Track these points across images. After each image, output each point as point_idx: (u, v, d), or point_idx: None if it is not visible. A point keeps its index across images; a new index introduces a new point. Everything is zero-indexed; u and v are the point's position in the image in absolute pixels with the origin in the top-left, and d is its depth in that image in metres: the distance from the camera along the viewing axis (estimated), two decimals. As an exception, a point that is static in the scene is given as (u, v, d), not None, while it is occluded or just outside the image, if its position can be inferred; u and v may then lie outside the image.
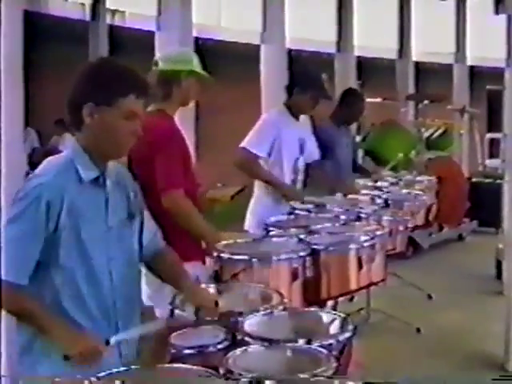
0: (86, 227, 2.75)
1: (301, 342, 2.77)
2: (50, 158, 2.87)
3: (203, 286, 3.40)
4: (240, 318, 2.95)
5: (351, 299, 6.58)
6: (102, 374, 2.52)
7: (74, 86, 2.81)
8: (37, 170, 2.81)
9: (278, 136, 5.39)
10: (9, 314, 2.76)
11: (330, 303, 4.60)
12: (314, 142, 5.88)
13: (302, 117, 5.86)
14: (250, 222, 5.52)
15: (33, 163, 8.49)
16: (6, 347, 5.65)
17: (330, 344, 2.75)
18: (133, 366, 2.65)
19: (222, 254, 3.91)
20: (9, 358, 5.48)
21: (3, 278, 2.65)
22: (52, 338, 2.69)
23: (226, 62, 12.76)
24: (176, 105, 4.23)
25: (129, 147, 2.87)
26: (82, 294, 2.76)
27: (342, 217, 4.91)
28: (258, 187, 5.60)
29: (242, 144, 5.38)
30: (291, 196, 5.43)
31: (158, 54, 4.31)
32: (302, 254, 3.93)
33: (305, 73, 5.81)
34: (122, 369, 2.62)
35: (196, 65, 4.29)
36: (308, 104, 5.57)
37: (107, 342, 2.71)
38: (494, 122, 13.74)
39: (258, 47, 11.39)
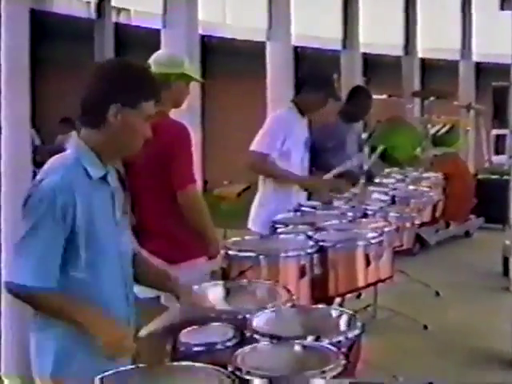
0: (99, 223, 2.80)
1: (309, 339, 2.77)
2: (54, 158, 2.88)
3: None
4: (248, 316, 2.95)
5: (358, 296, 6.58)
6: (107, 373, 2.52)
7: (95, 85, 2.84)
8: (43, 172, 2.81)
9: (288, 134, 5.40)
10: (47, 316, 2.78)
11: (337, 300, 4.59)
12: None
13: None
14: (254, 220, 5.52)
15: (37, 162, 8.50)
16: (6, 347, 5.67)
17: (339, 341, 2.75)
18: (140, 365, 2.66)
19: (230, 252, 3.92)
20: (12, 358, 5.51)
21: (30, 284, 2.68)
22: (93, 330, 2.70)
23: (232, 59, 12.76)
24: (168, 107, 4.29)
25: (139, 148, 2.93)
26: (103, 293, 2.81)
27: (349, 214, 4.91)
28: (262, 184, 5.60)
29: (252, 147, 5.41)
30: (314, 187, 5.50)
31: (151, 58, 4.36)
32: (309, 251, 3.93)
33: (316, 72, 5.80)
34: (129, 367, 2.62)
35: (187, 67, 4.36)
36: (317, 103, 5.56)
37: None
38: (500, 118, 13.71)
39: (263, 44, 11.37)
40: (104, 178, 2.85)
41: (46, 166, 2.84)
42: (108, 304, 2.81)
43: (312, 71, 5.86)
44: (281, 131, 5.39)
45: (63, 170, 2.77)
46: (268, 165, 5.39)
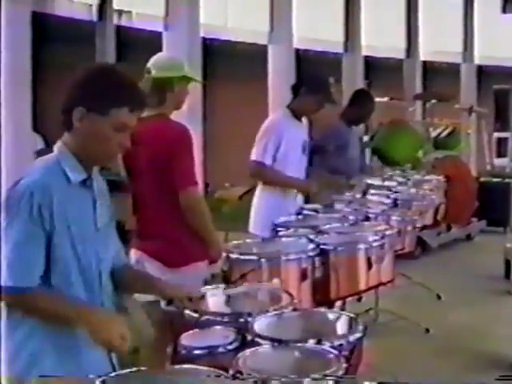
0: (76, 228, 2.74)
1: (311, 342, 2.76)
2: (38, 159, 2.87)
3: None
4: (249, 319, 2.94)
5: (359, 299, 6.56)
6: (108, 375, 2.51)
7: (69, 88, 2.80)
8: (25, 173, 2.79)
9: (281, 138, 5.44)
10: (31, 316, 2.73)
11: (338, 303, 4.59)
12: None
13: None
14: (254, 223, 5.53)
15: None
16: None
17: (341, 344, 2.74)
18: (142, 368, 2.65)
19: (231, 255, 3.91)
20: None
21: (13, 284, 2.64)
22: (83, 325, 2.67)
23: (234, 62, 12.76)
24: (170, 109, 4.32)
25: (114, 158, 2.88)
26: (77, 296, 2.76)
27: (351, 217, 4.90)
28: (261, 187, 5.61)
29: (252, 157, 5.50)
30: (313, 189, 5.52)
31: (150, 62, 4.37)
32: (310, 254, 3.93)
33: (312, 75, 5.83)
34: (129, 370, 2.61)
35: (187, 69, 4.39)
36: (313, 106, 5.60)
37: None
38: (501, 121, 13.71)
39: (265, 47, 11.39)
40: (85, 182, 2.80)
41: (28, 169, 2.82)
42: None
43: (308, 74, 5.90)
44: (273, 137, 5.45)
45: (42, 170, 2.74)
46: (267, 172, 5.45)
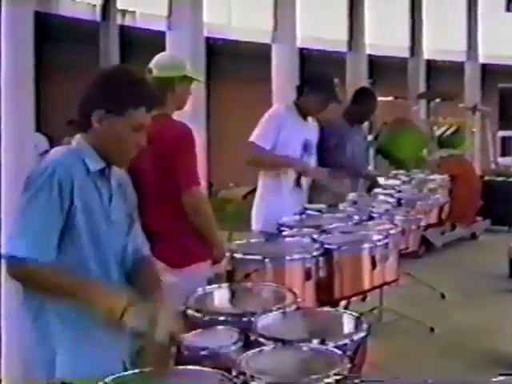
0: (94, 215, 2.78)
1: (315, 342, 2.75)
2: (55, 149, 2.90)
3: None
4: (253, 319, 2.93)
5: (364, 299, 6.56)
6: (111, 377, 2.51)
7: (87, 89, 2.85)
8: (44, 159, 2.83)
9: (281, 130, 5.42)
10: (38, 291, 2.75)
11: (342, 303, 4.58)
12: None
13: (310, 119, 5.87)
14: (256, 219, 5.53)
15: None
16: (6, 347, 5.66)
17: (345, 344, 2.74)
18: (145, 369, 2.64)
19: (235, 254, 3.91)
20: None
21: (27, 255, 2.64)
22: (93, 302, 2.67)
23: (237, 61, 12.75)
24: (172, 110, 4.31)
25: (131, 157, 2.90)
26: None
27: (355, 216, 4.89)
28: (261, 182, 5.61)
29: (251, 138, 5.44)
30: (311, 172, 5.50)
31: (151, 62, 4.37)
32: (314, 253, 3.92)
33: (317, 74, 5.81)
34: (133, 372, 2.61)
35: (189, 69, 4.38)
36: (317, 105, 5.59)
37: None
38: (506, 119, 13.69)
39: (268, 46, 11.36)
40: (103, 172, 2.85)
41: (46, 156, 2.86)
42: None
43: (313, 73, 5.88)
44: (273, 126, 5.43)
45: (64, 154, 2.80)
46: (264, 155, 5.41)
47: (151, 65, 4.34)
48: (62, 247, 2.73)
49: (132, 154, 2.88)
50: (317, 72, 5.97)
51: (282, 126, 5.44)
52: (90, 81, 2.88)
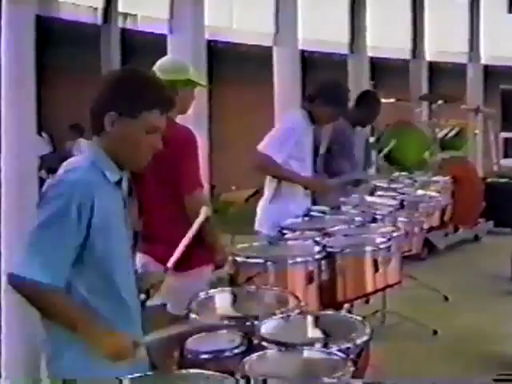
0: (115, 226, 2.78)
1: (317, 345, 2.74)
2: (69, 160, 2.87)
3: None
4: (256, 322, 2.92)
5: (367, 301, 6.55)
6: (116, 380, 2.50)
7: (99, 92, 2.82)
8: (62, 171, 2.80)
9: (298, 139, 5.40)
10: (40, 313, 2.73)
11: (345, 306, 4.57)
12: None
13: None
14: (262, 222, 5.51)
15: (50, 169, 8.48)
16: (6, 347, 5.66)
17: (348, 348, 2.72)
18: (148, 373, 2.64)
19: (237, 258, 3.90)
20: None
21: (40, 280, 2.61)
22: (86, 336, 2.67)
23: (239, 64, 12.75)
24: (174, 113, 4.29)
25: (147, 161, 2.87)
26: (120, 296, 2.79)
27: (358, 219, 4.88)
28: (270, 185, 5.59)
29: (260, 147, 5.38)
30: (319, 188, 5.50)
31: (155, 65, 4.36)
32: (317, 256, 3.91)
33: (333, 86, 5.69)
34: (137, 375, 2.60)
35: (192, 73, 4.37)
36: (327, 117, 5.57)
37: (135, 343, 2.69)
38: (508, 121, 13.66)
39: (270, 49, 11.35)
40: (119, 182, 2.84)
41: (63, 167, 2.82)
42: (121, 298, 2.79)
43: (330, 85, 5.71)
44: (290, 139, 5.38)
45: (82, 170, 2.75)
46: (274, 167, 5.37)
47: (154, 68, 4.34)
48: (83, 262, 2.71)
49: (147, 156, 2.85)
50: (332, 84, 5.79)
51: (298, 137, 5.41)
52: (102, 83, 2.86)
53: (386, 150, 7.70)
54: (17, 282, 2.65)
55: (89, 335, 2.66)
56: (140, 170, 2.97)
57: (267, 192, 5.59)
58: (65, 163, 2.85)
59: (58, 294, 2.66)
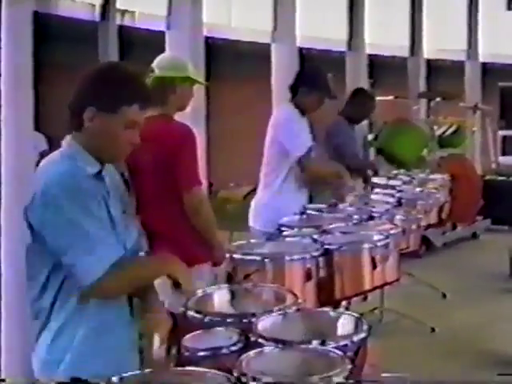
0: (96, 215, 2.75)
1: (315, 343, 2.74)
2: (46, 158, 2.87)
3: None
4: (253, 319, 2.92)
5: (364, 299, 6.54)
6: (114, 378, 2.50)
7: (78, 87, 2.82)
8: (39, 169, 2.81)
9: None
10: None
11: (343, 303, 4.57)
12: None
13: None
14: (257, 218, 5.51)
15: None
16: (6, 348, 5.65)
17: (345, 345, 2.72)
18: (146, 370, 2.63)
19: (235, 255, 3.89)
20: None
21: (102, 270, 2.65)
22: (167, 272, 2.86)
23: (237, 61, 12.73)
24: (173, 110, 4.30)
25: (125, 155, 2.88)
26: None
27: (355, 216, 4.88)
28: (266, 185, 5.59)
29: (297, 153, 5.41)
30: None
31: (154, 62, 4.36)
32: (315, 254, 3.91)
33: (310, 72, 5.79)
34: (134, 372, 2.59)
35: (191, 71, 4.37)
36: (314, 103, 5.60)
37: None
38: (506, 118, 13.66)
39: (268, 46, 11.34)
40: (99, 174, 2.82)
41: (40, 168, 2.83)
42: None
43: (307, 72, 5.83)
44: (305, 128, 5.45)
45: (60, 163, 2.76)
46: (315, 163, 5.46)
47: (153, 64, 4.34)
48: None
49: (125, 151, 2.85)
50: (309, 70, 5.93)
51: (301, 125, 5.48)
52: (81, 78, 2.83)
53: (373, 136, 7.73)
54: (98, 287, 2.68)
55: (163, 271, 2.86)
56: (115, 163, 2.95)
57: (264, 189, 5.59)
58: (43, 161, 2.85)
59: (126, 267, 2.74)
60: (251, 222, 5.54)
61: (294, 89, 5.60)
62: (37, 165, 2.72)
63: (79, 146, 2.80)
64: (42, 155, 9.26)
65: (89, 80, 2.82)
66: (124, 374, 2.52)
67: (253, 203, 5.65)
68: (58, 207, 2.66)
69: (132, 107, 2.76)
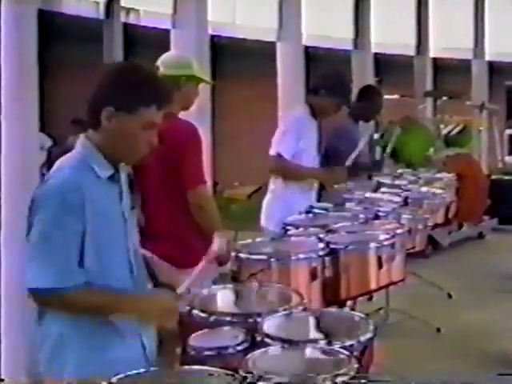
0: (107, 221, 2.76)
1: (321, 342, 2.73)
2: (61, 159, 2.85)
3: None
4: (259, 319, 2.90)
5: (370, 299, 6.52)
6: (119, 376, 2.48)
7: (97, 87, 2.81)
8: (50, 173, 2.80)
9: (302, 135, 5.43)
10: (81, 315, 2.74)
11: (348, 303, 4.55)
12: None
13: None
14: (269, 218, 5.50)
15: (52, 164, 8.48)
16: (6, 348, 5.65)
17: (351, 345, 2.71)
18: (152, 368, 2.62)
19: (240, 254, 3.88)
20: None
21: (52, 286, 2.62)
22: (129, 312, 2.73)
23: (242, 59, 12.74)
24: (177, 109, 4.28)
25: (141, 156, 2.86)
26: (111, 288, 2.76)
27: (361, 215, 4.86)
28: (277, 182, 5.58)
29: (271, 151, 5.48)
30: (338, 179, 5.64)
31: (159, 60, 4.35)
32: (320, 253, 3.89)
33: (336, 77, 5.75)
34: (140, 371, 2.57)
35: (196, 69, 4.36)
36: (330, 109, 5.61)
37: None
38: (513, 117, 13.65)
39: (273, 45, 11.32)
40: (112, 177, 2.81)
41: (52, 169, 2.82)
42: None
43: (332, 77, 5.77)
44: (296, 131, 5.43)
45: (70, 169, 2.74)
46: (288, 165, 5.43)
47: (158, 62, 4.33)
48: (83, 259, 2.71)
49: (142, 152, 2.84)
50: (335, 75, 5.86)
51: (302, 134, 5.47)
52: (100, 77, 2.83)
53: (389, 148, 7.68)
54: (38, 295, 2.67)
55: (131, 310, 2.72)
56: (132, 163, 2.95)
57: (273, 187, 5.59)
58: (57, 162, 2.84)
59: (80, 292, 2.67)
60: (263, 222, 5.54)
61: (315, 89, 5.58)
62: (45, 163, 2.72)
63: (94, 146, 2.79)
64: (50, 152, 9.24)
65: (108, 79, 2.81)
66: (124, 374, 2.51)
67: (264, 203, 5.65)
68: (39, 216, 2.68)
69: (150, 108, 2.76)
